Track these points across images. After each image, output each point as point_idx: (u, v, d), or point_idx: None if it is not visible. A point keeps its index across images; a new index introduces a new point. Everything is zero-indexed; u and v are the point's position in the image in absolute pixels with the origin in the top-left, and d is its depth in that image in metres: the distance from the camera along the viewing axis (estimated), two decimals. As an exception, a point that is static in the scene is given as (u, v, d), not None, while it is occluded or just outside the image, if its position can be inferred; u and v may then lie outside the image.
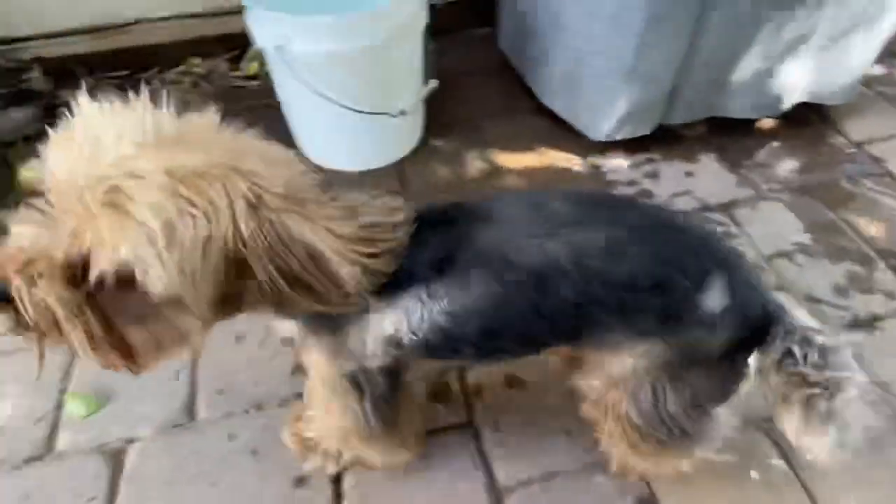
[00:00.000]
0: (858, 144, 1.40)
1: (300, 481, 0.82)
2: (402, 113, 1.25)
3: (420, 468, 0.83)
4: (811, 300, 1.05)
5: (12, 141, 1.38)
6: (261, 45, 1.16)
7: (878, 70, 1.58)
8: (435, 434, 0.87)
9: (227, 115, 0.48)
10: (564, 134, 1.42)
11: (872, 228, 1.19)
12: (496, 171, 1.36)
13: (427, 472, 0.83)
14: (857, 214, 1.23)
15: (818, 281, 1.09)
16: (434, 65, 1.38)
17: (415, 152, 1.41)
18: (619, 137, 1.34)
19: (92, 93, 0.45)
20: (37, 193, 0.43)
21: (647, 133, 1.36)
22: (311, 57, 1.11)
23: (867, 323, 1.02)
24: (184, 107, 0.47)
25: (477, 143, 1.43)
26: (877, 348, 0.96)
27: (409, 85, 1.30)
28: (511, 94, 1.57)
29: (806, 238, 1.18)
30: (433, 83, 1.32)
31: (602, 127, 1.33)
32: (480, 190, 1.30)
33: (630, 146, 1.38)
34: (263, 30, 1.14)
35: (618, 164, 1.38)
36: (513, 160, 1.38)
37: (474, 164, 1.38)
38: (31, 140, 1.40)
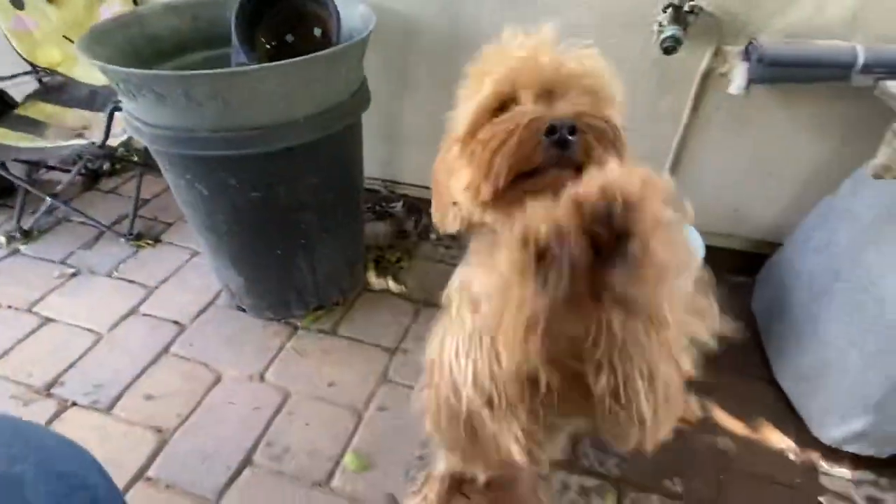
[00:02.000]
0: None
1: None
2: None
3: None
4: None
5: (371, 245, 2.05)
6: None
7: None
8: None
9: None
10: (790, 417, 1.50)
11: None
12: (708, 423, 1.51)
13: None
14: None
15: None
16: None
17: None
18: (846, 449, 1.37)
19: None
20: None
21: (883, 458, 1.36)
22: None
23: None
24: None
25: (700, 389, 1.60)
26: None
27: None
28: (745, 352, 1.70)
29: None
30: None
31: (832, 433, 1.39)
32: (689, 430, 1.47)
33: (858, 460, 1.39)
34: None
35: (839, 472, 1.39)
36: (727, 420, 1.52)
37: (690, 408, 1.55)
38: (382, 249, 2.06)
